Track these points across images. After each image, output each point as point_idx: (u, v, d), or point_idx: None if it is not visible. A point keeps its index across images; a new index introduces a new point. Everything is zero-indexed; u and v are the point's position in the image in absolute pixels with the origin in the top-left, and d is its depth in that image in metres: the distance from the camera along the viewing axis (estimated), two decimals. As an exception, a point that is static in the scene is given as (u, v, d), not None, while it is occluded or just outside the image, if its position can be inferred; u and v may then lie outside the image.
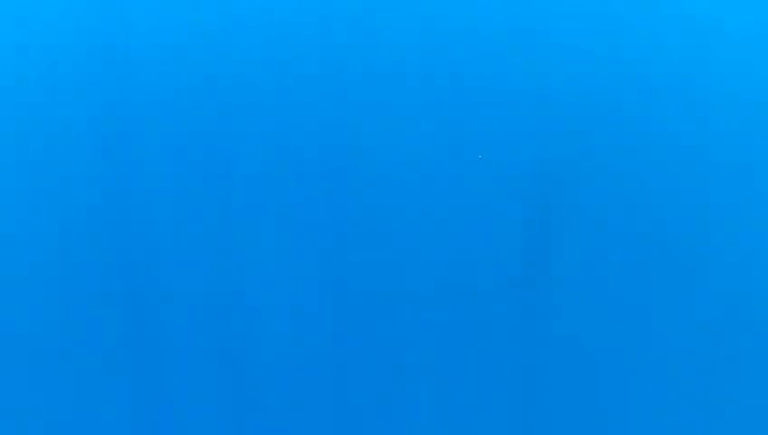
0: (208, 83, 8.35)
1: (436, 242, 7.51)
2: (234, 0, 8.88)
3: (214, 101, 8.25)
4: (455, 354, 7.01)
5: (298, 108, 8.20)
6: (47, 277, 7.42)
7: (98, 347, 7.12)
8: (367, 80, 8.34)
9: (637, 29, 8.66)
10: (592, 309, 7.17)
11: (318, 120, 8.13)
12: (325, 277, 7.36)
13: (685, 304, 7.17)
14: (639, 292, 7.23)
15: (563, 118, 8.12)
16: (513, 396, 6.85)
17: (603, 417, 6.78)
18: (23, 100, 8.37)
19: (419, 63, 8.45)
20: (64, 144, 8.10)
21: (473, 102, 8.24)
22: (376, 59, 8.45)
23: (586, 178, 7.77)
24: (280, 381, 6.96)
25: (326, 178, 7.84)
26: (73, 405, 6.88)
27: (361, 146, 7.98)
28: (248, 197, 7.74)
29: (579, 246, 7.45)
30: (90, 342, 7.15)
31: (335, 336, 7.11)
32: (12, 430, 6.79)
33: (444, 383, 6.91)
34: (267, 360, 7.04)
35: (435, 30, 8.68)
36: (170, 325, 7.17)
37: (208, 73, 8.40)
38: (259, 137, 8.06)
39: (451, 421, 6.80)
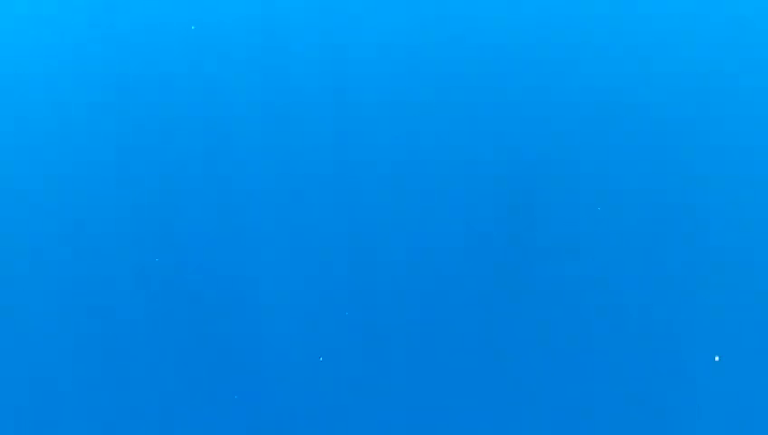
0: (207, 83, 8.38)
1: (431, 242, 7.51)
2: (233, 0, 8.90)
3: (213, 102, 8.28)
4: (450, 354, 7.02)
5: (298, 108, 8.22)
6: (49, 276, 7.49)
7: (103, 346, 7.18)
8: (365, 80, 8.33)
9: (635, 29, 8.53)
10: (581, 307, 7.13)
11: (320, 120, 8.16)
12: (323, 278, 7.38)
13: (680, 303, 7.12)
14: (633, 290, 7.18)
15: (553, 117, 8.04)
16: (509, 395, 6.86)
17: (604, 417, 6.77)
18: (21, 99, 8.43)
19: (414, 63, 8.43)
20: (64, 144, 8.16)
21: (465, 103, 8.19)
22: (374, 59, 8.44)
23: (574, 176, 7.71)
24: (281, 380, 7.00)
25: (330, 180, 7.86)
26: (78, 405, 6.94)
27: (359, 146, 7.99)
28: (250, 196, 7.77)
29: (567, 243, 7.42)
30: (95, 341, 7.20)
31: (332, 337, 7.13)
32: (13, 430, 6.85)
33: (440, 383, 6.93)
34: (268, 360, 7.07)
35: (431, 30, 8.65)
36: (170, 324, 7.23)
37: (207, 73, 8.43)
38: (258, 137, 8.09)
39: (451, 422, 6.82)
